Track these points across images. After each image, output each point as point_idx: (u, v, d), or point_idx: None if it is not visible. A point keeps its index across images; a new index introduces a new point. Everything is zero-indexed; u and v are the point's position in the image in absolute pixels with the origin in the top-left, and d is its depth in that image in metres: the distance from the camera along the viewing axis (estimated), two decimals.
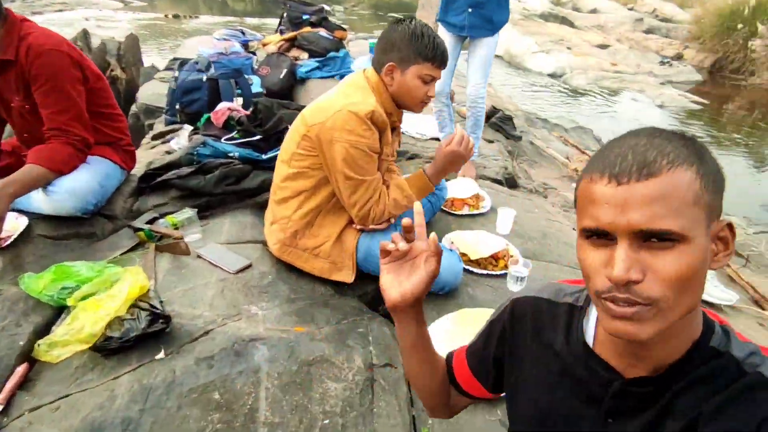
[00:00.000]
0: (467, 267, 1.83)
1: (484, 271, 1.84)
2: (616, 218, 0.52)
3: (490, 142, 3.52)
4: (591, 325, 0.68)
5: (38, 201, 1.77)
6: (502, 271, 1.85)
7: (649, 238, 0.52)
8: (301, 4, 4.42)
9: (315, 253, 1.69)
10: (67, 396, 1.24)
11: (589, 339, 0.67)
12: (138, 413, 1.18)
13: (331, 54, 3.98)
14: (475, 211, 2.33)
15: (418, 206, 0.76)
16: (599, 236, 0.55)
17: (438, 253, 0.72)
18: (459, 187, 2.39)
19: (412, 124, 3.33)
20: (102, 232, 1.91)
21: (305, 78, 3.88)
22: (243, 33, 4.45)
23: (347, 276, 1.69)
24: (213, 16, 12.85)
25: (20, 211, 1.80)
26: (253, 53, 4.26)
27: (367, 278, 1.76)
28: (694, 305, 0.56)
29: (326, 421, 1.24)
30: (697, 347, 0.59)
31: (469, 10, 2.48)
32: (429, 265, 0.72)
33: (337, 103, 1.54)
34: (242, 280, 1.64)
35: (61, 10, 12.06)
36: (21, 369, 1.31)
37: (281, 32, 4.29)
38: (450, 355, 0.86)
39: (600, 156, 0.56)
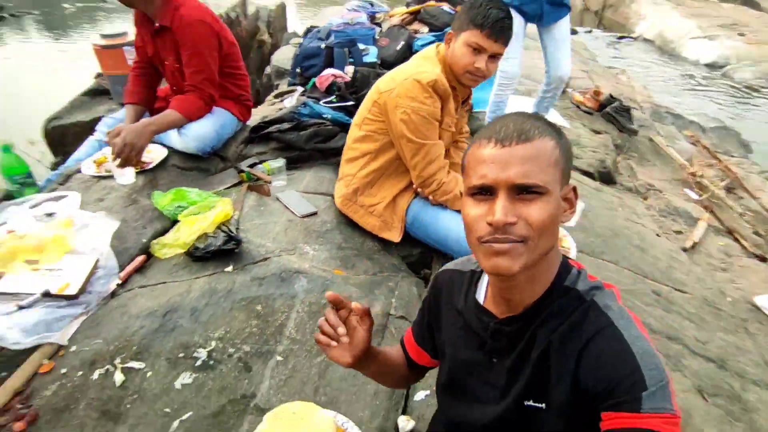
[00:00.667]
0: None
1: None
2: (499, 174, 0.64)
3: (598, 133, 3.31)
4: (483, 286, 0.82)
5: (174, 139, 2.27)
6: None
7: (521, 192, 0.65)
8: None
9: (370, 211, 1.90)
10: (163, 283, 1.66)
11: (481, 297, 0.81)
12: (203, 305, 1.55)
13: (448, 29, 4.02)
14: None
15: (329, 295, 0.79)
16: (482, 192, 0.67)
17: (367, 313, 0.83)
18: None
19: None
20: (215, 169, 2.37)
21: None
22: (371, 4, 4.71)
23: (395, 236, 1.88)
24: None
25: (162, 145, 2.32)
26: (379, 24, 4.50)
27: (416, 243, 1.93)
28: (551, 247, 0.69)
29: None
30: (553, 287, 0.72)
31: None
32: (364, 323, 0.83)
33: (405, 72, 1.69)
34: (305, 224, 1.92)
35: None
36: (140, 258, 1.78)
37: (408, 5, 4.44)
38: (402, 338, 1.02)
39: (486, 129, 0.70)
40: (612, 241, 2.12)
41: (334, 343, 0.80)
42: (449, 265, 0.91)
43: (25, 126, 3.90)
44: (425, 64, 1.68)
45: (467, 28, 1.57)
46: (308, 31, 3.51)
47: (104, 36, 3.08)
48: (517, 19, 2.45)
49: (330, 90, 2.67)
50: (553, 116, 3.34)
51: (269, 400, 1.32)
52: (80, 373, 1.35)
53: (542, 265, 0.70)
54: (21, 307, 1.48)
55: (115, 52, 3.01)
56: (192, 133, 2.23)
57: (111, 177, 2.10)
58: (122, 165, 1.98)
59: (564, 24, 2.49)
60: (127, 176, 2.07)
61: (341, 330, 0.79)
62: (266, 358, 1.43)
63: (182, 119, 2.18)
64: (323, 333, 0.80)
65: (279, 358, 1.44)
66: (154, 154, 2.25)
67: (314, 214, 1.98)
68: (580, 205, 2.13)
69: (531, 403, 0.73)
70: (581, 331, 0.68)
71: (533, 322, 0.72)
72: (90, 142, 2.52)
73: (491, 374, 0.78)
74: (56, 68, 6.16)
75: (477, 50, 1.57)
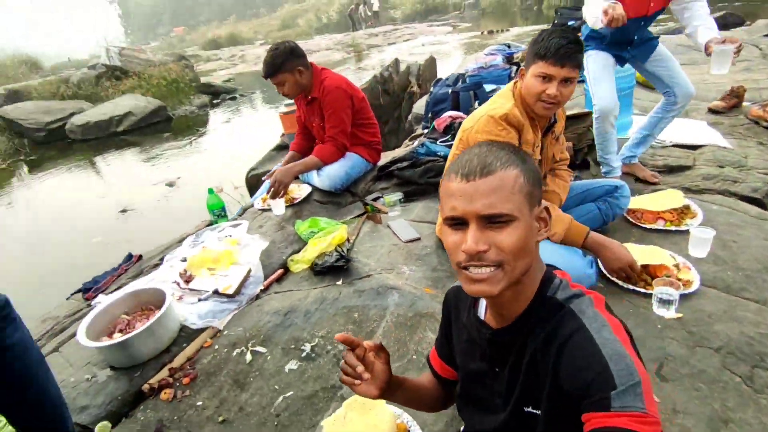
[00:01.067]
0: (613, 279, 1.77)
1: (630, 286, 1.73)
2: (467, 207, 0.69)
3: None
4: (483, 301, 0.87)
5: (314, 178, 2.81)
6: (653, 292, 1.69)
7: (490, 220, 0.69)
8: (573, 10, 4.44)
9: None
10: (290, 291, 2.09)
11: (482, 312, 0.87)
12: (314, 309, 1.90)
13: None
14: (673, 228, 2.07)
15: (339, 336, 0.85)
16: (456, 222, 0.72)
17: (380, 347, 0.88)
18: (658, 199, 2.15)
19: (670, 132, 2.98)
20: (345, 203, 2.81)
21: None
22: (508, 46, 4.84)
23: None
24: (521, 27, 13.67)
25: (308, 183, 2.88)
26: (517, 64, 4.60)
27: None
28: (529, 265, 0.73)
29: (414, 357, 1.64)
30: (536, 299, 0.76)
31: (629, 48, 2.33)
32: (380, 357, 0.88)
33: (483, 110, 1.84)
34: (407, 248, 2.16)
35: (408, 40, 15.55)
36: (279, 271, 2.26)
37: None
38: (428, 357, 1.07)
39: (455, 163, 0.75)
40: (761, 276, 1.77)
41: (357, 381, 0.86)
42: (457, 283, 0.95)
43: (234, 175, 5.15)
44: (499, 101, 1.80)
45: (533, 62, 1.66)
46: (438, 80, 3.85)
47: (286, 105, 3.98)
48: (604, 55, 2.34)
49: (447, 130, 2.91)
50: (712, 136, 2.91)
51: (351, 392, 1.56)
52: (225, 350, 1.81)
53: (525, 280, 0.74)
54: (200, 300, 2.06)
55: (292, 116, 3.83)
56: (325, 173, 2.73)
57: (270, 210, 2.71)
58: (273, 197, 2.56)
59: (662, 47, 2.33)
60: (280, 208, 2.64)
61: (360, 368, 0.84)
62: None
63: (319, 162, 2.71)
64: (346, 374, 0.86)
65: None
66: (302, 192, 2.81)
67: (417, 239, 2.21)
68: (707, 233, 1.87)
69: (530, 409, 0.77)
70: (557, 337, 0.70)
71: (522, 332, 0.76)
72: (265, 183, 3.25)
73: (496, 383, 0.83)
74: (264, 130, 7.87)
75: (546, 78, 1.64)
